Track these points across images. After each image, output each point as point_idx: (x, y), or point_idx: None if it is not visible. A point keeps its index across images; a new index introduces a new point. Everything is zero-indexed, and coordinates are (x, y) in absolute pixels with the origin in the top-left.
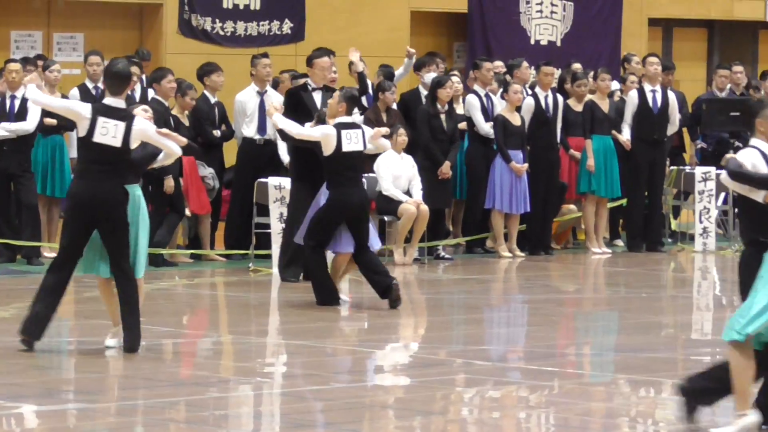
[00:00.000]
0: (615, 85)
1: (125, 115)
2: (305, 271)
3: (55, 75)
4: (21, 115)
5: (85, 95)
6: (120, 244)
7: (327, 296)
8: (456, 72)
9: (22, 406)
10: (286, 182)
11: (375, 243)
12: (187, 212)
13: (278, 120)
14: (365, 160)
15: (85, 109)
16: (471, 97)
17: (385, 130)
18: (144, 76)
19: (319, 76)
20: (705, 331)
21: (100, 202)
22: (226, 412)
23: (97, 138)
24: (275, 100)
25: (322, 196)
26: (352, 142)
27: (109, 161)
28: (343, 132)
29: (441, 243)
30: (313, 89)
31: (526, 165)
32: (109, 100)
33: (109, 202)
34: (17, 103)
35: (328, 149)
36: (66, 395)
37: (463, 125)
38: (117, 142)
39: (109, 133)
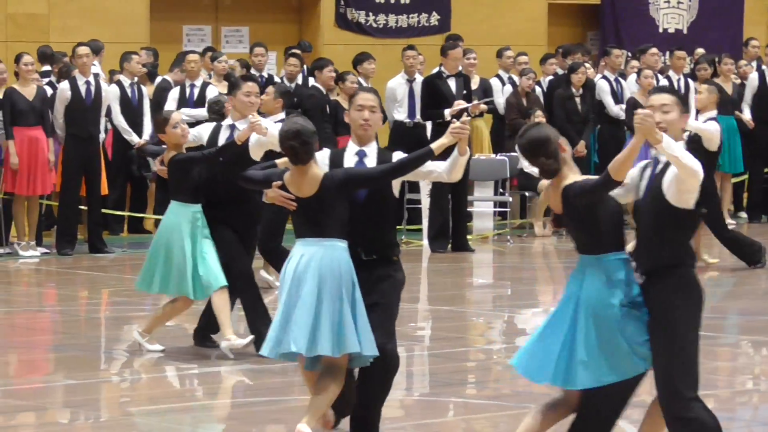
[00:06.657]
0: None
1: None
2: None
3: (223, 65)
4: (200, 101)
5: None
6: None
7: None
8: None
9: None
10: None
11: None
12: None
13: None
14: None
15: None
16: (601, 82)
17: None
18: (305, 67)
19: (452, 66)
20: None
21: None
22: None
23: None
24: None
25: None
26: None
27: None
28: None
29: None
30: (447, 76)
31: None
32: None
33: None
34: (196, 91)
35: None
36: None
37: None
38: None
39: None
